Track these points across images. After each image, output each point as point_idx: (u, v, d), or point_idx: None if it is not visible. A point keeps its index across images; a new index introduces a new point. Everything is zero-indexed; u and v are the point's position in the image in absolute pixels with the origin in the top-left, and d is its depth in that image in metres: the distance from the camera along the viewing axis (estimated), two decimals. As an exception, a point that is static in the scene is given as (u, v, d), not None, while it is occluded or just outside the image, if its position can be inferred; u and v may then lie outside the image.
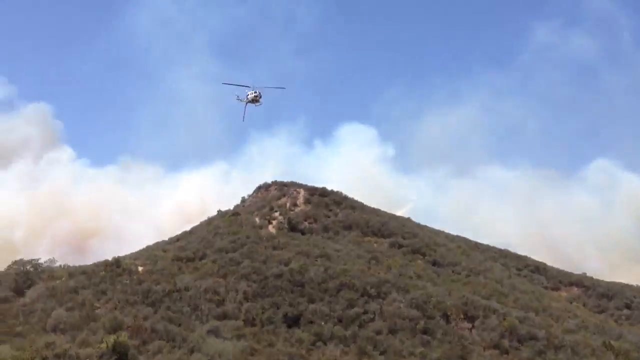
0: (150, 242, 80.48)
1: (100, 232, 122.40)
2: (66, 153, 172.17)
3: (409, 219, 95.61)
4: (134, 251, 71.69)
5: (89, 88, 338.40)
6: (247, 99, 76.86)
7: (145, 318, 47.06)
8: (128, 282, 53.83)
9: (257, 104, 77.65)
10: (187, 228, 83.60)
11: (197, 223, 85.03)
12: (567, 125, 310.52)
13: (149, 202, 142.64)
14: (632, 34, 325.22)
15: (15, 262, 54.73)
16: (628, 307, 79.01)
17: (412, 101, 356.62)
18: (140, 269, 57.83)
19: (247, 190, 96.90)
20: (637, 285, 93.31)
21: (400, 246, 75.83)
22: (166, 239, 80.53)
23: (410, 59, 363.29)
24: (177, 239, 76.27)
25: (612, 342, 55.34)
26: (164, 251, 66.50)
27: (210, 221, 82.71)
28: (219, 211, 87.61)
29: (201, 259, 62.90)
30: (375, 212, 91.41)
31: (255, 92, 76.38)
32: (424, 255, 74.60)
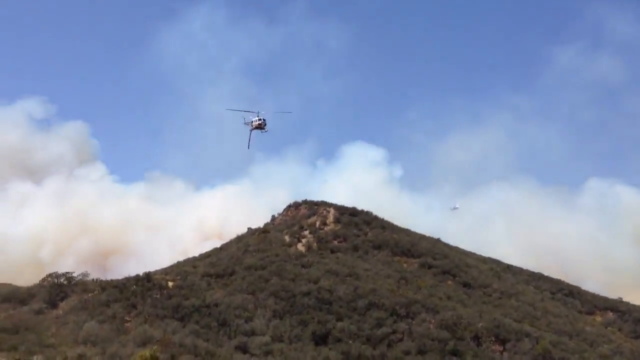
0: (169, 259, 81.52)
1: (122, 250, 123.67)
2: (98, 170, 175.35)
3: (439, 240, 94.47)
4: (160, 267, 72.51)
5: (124, 108, 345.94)
6: (252, 125, 74.18)
7: (174, 332, 47.54)
8: (158, 296, 54.49)
9: (263, 130, 74.77)
10: (204, 245, 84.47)
11: (213, 240, 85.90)
12: (590, 147, 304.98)
13: (173, 219, 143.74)
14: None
15: (49, 275, 55.93)
16: (666, 333, 76.32)
17: (434, 123, 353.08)
18: (170, 284, 58.48)
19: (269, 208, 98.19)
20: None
21: (431, 267, 74.95)
22: (184, 256, 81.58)
23: (433, 82, 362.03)
24: (208, 255, 76.96)
25: (650, 369, 53.67)
26: (194, 267, 67.15)
27: (240, 238, 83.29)
28: (248, 229, 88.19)
29: (230, 275, 63.27)
30: (406, 232, 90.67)
31: (259, 120, 73.79)
32: (454, 276, 73.56)
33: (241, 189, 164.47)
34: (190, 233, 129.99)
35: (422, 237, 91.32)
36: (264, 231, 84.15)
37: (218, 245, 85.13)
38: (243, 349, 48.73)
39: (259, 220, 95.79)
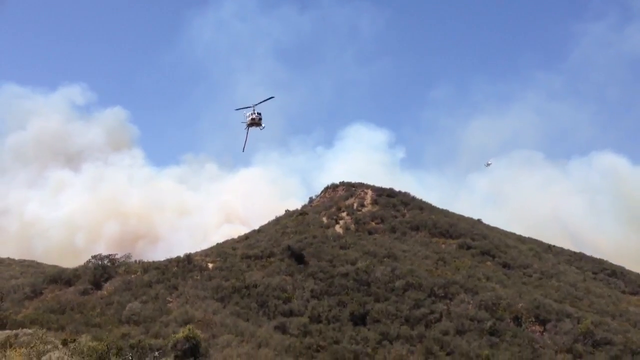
0: (194, 244, 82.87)
1: (151, 234, 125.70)
2: (135, 155, 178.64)
3: (479, 221, 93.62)
4: (204, 248, 73.99)
5: (162, 95, 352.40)
6: (247, 122, 65.01)
7: (215, 313, 48.66)
8: (199, 277, 55.79)
9: (260, 127, 65.39)
10: (226, 228, 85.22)
11: (236, 223, 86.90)
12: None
13: (202, 202, 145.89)
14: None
15: (93, 257, 57.76)
16: None
17: (460, 103, 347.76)
18: (210, 265, 59.73)
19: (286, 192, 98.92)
20: None
21: (469, 247, 74.35)
22: (205, 240, 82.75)
23: (461, 61, 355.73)
24: (246, 237, 78.10)
25: (697, 350, 52.23)
26: (233, 249, 68.27)
27: (278, 220, 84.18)
28: (286, 211, 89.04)
29: (269, 257, 64.13)
30: (444, 213, 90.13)
31: (254, 114, 64.31)
32: (493, 257, 72.82)
33: (260, 173, 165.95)
34: (214, 216, 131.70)
35: (461, 218, 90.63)
36: (301, 213, 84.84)
37: (246, 229, 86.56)
38: (282, 329, 49.53)
39: (278, 204, 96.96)
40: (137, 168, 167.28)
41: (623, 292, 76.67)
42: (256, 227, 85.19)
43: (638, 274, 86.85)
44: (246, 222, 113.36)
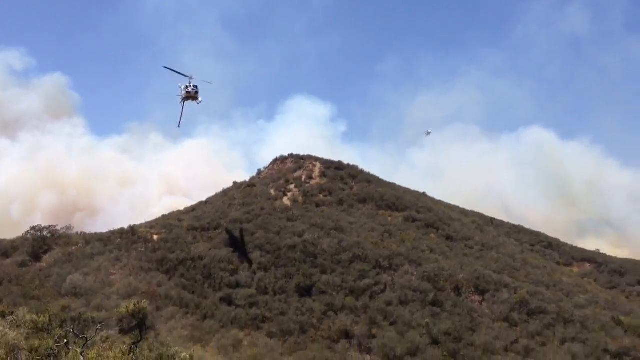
0: (135, 215, 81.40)
1: (90, 206, 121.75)
2: (76, 124, 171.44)
3: (424, 194, 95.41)
4: (145, 220, 72.75)
5: (106, 62, 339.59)
6: (182, 95, 60.27)
7: (160, 285, 48.23)
8: (143, 249, 54.96)
9: (197, 101, 60.63)
10: (168, 200, 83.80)
11: (178, 196, 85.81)
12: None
13: (146, 173, 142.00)
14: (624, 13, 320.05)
15: (32, 228, 55.97)
16: (640, 283, 78.70)
17: (405, 77, 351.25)
18: (155, 237, 58.89)
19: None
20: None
21: (415, 220, 75.81)
22: (146, 212, 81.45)
23: (407, 37, 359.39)
24: (193, 208, 77.19)
25: (622, 318, 55.34)
26: (179, 220, 67.45)
27: (225, 192, 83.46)
28: (234, 182, 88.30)
29: (216, 229, 63.69)
30: (391, 186, 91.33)
31: (189, 86, 59.50)
32: (437, 229, 74.59)
33: (204, 145, 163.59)
34: (155, 188, 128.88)
35: (407, 191, 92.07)
36: (249, 185, 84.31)
37: (189, 201, 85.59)
38: (228, 300, 49.68)
39: (220, 177, 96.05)
40: (77, 137, 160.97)
41: (558, 263, 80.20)
42: (198, 200, 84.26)
43: (572, 246, 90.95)
44: (189, 195, 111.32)
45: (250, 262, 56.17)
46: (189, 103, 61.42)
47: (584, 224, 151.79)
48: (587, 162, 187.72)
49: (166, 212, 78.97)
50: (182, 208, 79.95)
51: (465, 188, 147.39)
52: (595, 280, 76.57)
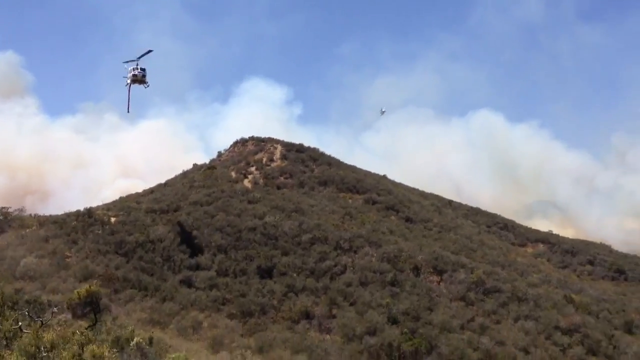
0: (89, 198, 79.81)
1: (41, 189, 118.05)
2: (28, 104, 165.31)
3: (384, 177, 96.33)
4: (106, 202, 71.40)
5: (59, 38, 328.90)
6: (128, 78, 56.12)
7: (118, 268, 47.51)
8: (100, 232, 53.93)
9: (145, 85, 56.64)
10: (123, 183, 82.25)
11: (133, 178, 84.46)
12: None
13: (101, 154, 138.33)
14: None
15: (-17, 210, 54.35)
16: (591, 263, 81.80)
17: (365, 60, 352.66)
18: (112, 219, 57.82)
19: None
20: (601, 243, 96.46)
21: (375, 202, 76.60)
22: (101, 194, 79.95)
23: (370, 19, 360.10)
24: (151, 191, 76.06)
25: (573, 296, 57.44)
26: (138, 203, 66.38)
27: (185, 174, 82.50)
28: (194, 165, 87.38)
29: (175, 211, 62.96)
30: (351, 169, 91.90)
31: (136, 69, 55.40)
32: (397, 211, 75.58)
33: (160, 127, 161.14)
34: (110, 170, 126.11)
35: (368, 174, 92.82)
36: (210, 167, 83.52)
37: (144, 184, 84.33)
38: (188, 283, 49.38)
39: (176, 159, 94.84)
40: (28, 117, 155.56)
41: (513, 244, 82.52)
42: (154, 183, 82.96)
43: (527, 227, 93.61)
44: (144, 177, 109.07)
45: (210, 245, 55.79)
46: (138, 87, 58.29)
47: (532, 206, 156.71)
48: (535, 145, 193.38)
49: (120, 195, 77.60)
50: (137, 191, 78.67)
51: (419, 170, 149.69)
52: (548, 260, 79.17)
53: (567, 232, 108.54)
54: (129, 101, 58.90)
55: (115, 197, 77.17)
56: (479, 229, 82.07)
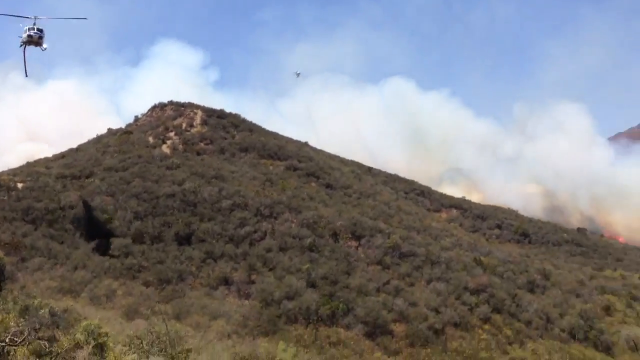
0: None
1: None
2: None
3: (305, 143, 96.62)
4: (11, 167, 67.59)
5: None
6: (23, 39, 48.62)
7: (25, 235, 45.34)
8: (5, 198, 51.10)
9: (42, 47, 49.25)
10: (28, 147, 78.32)
11: (40, 142, 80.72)
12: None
13: (5, 116, 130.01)
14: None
15: None
16: (499, 227, 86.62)
17: (286, 26, 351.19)
18: (19, 185, 54.87)
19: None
20: (508, 208, 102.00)
21: (296, 169, 76.81)
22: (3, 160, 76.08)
23: None
24: (62, 155, 72.63)
25: (482, 258, 60.53)
26: (47, 168, 63.27)
27: (99, 139, 79.30)
28: (109, 129, 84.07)
29: (88, 177, 60.59)
30: (273, 135, 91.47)
31: (32, 29, 48.25)
32: (318, 178, 76.18)
33: (70, 87, 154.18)
34: (13, 133, 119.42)
35: (289, 141, 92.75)
36: (125, 132, 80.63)
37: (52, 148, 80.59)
38: (102, 250, 47.94)
39: (88, 123, 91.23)
40: None
41: (428, 209, 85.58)
42: (62, 148, 79.36)
43: (442, 193, 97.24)
44: (51, 142, 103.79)
45: (125, 211, 54.22)
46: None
47: (441, 172, 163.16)
48: (446, 112, 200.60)
49: (24, 161, 73.63)
50: (44, 156, 74.88)
51: (335, 137, 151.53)
52: (460, 225, 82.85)
53: (473, 197, 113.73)
54: (25, 64, 52.71)
55: (20, 162, 73.11)
56: (396, 196, 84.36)
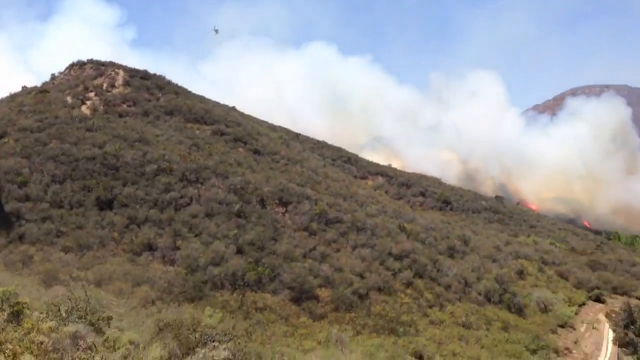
0: None
1: None
2: None
3: (233, 108, 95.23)
4: None
5: None
6: None
7: None
8: None
9: None
10: None
11: None
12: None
13: None
14: None
15: None
16: (422, 194, 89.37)
17: None
18: None
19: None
20: (433, 176, 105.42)
21: (223, 134, 75.66)
22: None
23: None
24: (-29, 115, 67.98)
25: (406, 225, 62.40)
26: (-47, 128, 59.14)
27: (13, 97, 74.73)
28: (23, 87, 79.36)
29: (1, 137, 57.15)
30: (200, 98, 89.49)
31: None
32: (245, 143, 75.46)
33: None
34: None
35: (216, 105, 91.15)
36: (42, 91, 76.34)
37: None
38: (17, 215, 45.60)
39: None
40: None
41: (355, 176, 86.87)
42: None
43: (369, 160, 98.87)
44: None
45: (42, 174, 51.67)
46: None
47: (361, 140, 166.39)
48: (367, 79, 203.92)
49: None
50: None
51: (256, 101, 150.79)
52: (386, 192, 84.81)
53: (393, 165, 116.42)
54: None
55: None
56: (324, 162, 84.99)
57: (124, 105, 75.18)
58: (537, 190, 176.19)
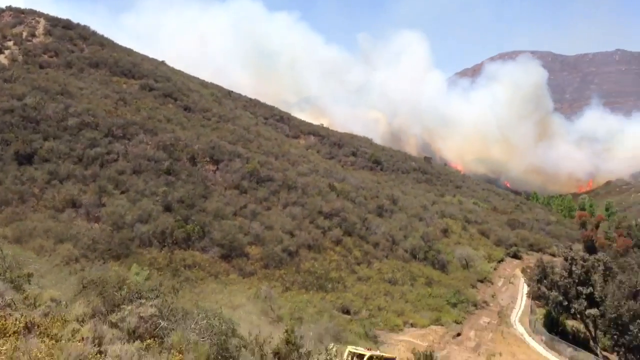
0: None
1: None
2: None
3: (163, 62, 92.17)
4: None
5: None
6: None
7: None
8: None
9: None
10: None
11: None
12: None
13: None
14: None
15: None
16: (354, 154, 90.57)
17: None
18: None
19: None
20: (364, 137, 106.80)
21: (152, 89, 73.33)
22: None
23: None
24: None
25: (336, 184, 63.22)
26: None
27: None
28: None
29: None
30: (127, 51, 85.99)
31: None
32: (175, 99, 73.55)
33: None
34: None
35: (145, 58, 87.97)
36: (-47, 37, 71.09)
37: None
38: None
39: None
40: None
41: (287, 135, 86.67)
42: None
43: (301, 120, 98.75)
44: None
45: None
46: None
47: (289, 98, 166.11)
48: (295, 36, 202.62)
49: None
50: None
51: (181, 55, 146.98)
52: (318, 152, 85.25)
53: (320, 123, 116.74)
54: None
55: None
56: (256, 121, 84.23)
57: (45, 56, 71.34)
58: (459, 152, 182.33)
